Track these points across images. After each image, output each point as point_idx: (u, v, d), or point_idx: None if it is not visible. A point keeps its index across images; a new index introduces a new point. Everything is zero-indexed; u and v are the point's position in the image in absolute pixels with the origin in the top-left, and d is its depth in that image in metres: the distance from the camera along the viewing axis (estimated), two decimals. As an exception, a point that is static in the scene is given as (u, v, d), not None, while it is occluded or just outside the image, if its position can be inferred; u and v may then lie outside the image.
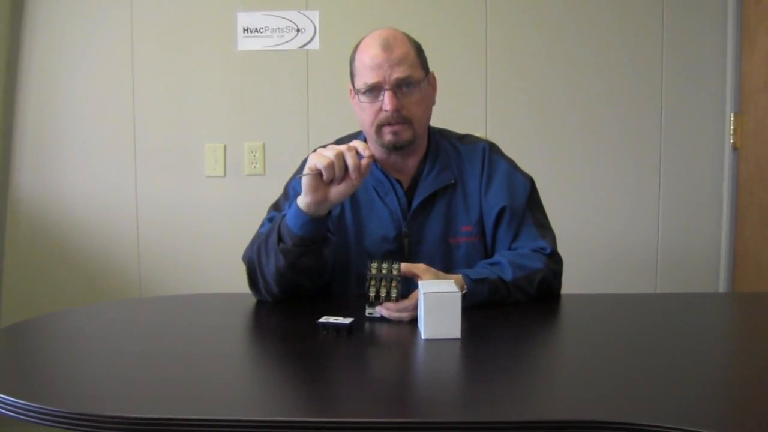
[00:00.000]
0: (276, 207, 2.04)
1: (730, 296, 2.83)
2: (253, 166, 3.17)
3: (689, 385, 1.32)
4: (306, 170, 1.72)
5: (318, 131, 3.12)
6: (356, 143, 1.73)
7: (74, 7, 3.16)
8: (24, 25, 3.15)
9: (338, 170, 1.70)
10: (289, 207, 1.92)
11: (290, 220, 1.78)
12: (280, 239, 1.79)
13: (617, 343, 1.60)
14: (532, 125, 3.15)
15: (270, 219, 1.98)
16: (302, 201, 1.75)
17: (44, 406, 1.17)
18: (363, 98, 1.91)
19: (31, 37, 3.16)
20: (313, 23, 3.13)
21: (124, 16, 3.15)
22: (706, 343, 1.64)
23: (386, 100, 1.87)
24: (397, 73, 1.87)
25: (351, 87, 1.98)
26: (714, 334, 1.76)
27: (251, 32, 3.14)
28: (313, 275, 1.85)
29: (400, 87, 1.88)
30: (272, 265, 1.80)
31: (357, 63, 1.93)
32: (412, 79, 1.89)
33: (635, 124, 3.14)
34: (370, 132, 1.94)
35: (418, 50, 1.95)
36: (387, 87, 1.87)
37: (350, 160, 1.70)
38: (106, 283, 3.21)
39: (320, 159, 1.70)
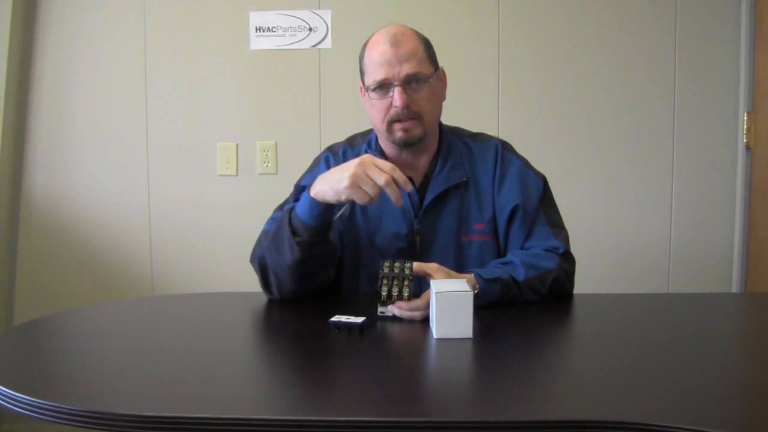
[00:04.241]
0: (284, 206, 2.04)
1: (742, 296, 2.82)
2: (265, 165, 3.17)
3: (701, 386, 1.32)
4: (341, 202, 1.72)
5: (330, 130, 3.12)
6: (397, 179, 1.69)
7: (87, 7, 3.17)
8: (37, 24, 3.17)
9: (376, 201, 1.70)
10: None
11: (303, 213, 1.77)
12: (294, 233, 1.78)
13: (629, 343, 1.60)
14: (544, 124, 3.14)
15: (274, 219, 1.99)
16: (321, 193, 1.73)
17: (55, 404, 1.18)
18: (373, 95, 1.91)
19: (43, 37, 3.17)
20: (326, 22, 3.13)
21: (137, 15, 3.16)
22: (718, 344, 1.63)
23: (396, 96, 1.87)
24: (406, 69, 1.86)
25: (361, 85, 1.98)
26: (726, 334, 1.76)
27: (263, 31, 3.15)
28: (325, 261, 1.86)
29: (409, 83, 1.88)
30: (287, 258, 1.80)
31: (366, 60, 1.93)
32: (421, 75, 1.89)
33: (648, 123, 3.13)
34: (381, 129, 1.94)
35: (427, 45, 1.94)
36: (396, 83, 1.87)
37: (393, 195, 1.68)
38: (119, 281, 3.22)
39: (360, 195, 1.68)
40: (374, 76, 1.89)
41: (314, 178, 2.01)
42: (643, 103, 3.13)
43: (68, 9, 3.16)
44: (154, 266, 3.23)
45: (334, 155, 2.05)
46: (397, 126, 1.91)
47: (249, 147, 3.18)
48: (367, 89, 1.93)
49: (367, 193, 1.67)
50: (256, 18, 3.15)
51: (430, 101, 1.93)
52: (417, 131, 1.91)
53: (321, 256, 1.83)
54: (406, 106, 1.88)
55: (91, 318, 1.84)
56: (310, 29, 3.14)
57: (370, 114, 1.96)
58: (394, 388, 1.35)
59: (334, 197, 1.72)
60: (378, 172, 1.68)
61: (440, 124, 2.05)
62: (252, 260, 1.93)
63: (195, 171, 3.20)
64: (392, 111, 1.89)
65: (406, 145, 1.94)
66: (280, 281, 1.86)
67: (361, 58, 1.97)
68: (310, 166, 2.10)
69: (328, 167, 2.02)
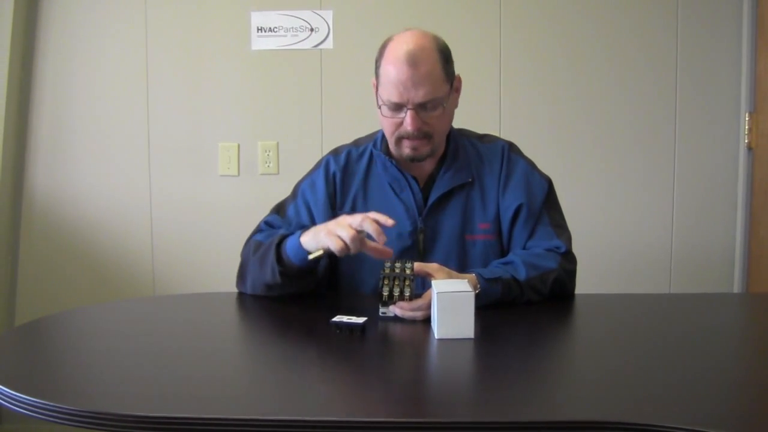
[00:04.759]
0: (280, 207, 2.06)
1: (744, 296, 2.82)
2: (266, 165, 3.17)
3: (702, 386, 1.32)
4: (317, 250, 1.76)
5: (332, 131, 3.12)
6: (376, 217, 1.72)
7: (88, 7, 3.17)
8: (38, 24, 3.17)
9: (353, 250, 1.72)
10: (295, 210, 2.01)
11: (291, 250, 1.82)
12: (279, 260, 1.84)
13: (630, 343, 1.60)
14: (546, 125, 3.14)
15: (267, 223, 2.03)
16: (306, 243, 1.79)
17: (56, 404, 1.18)
18: (385, 110, 1.89)
19: (45, 37, 3.17)
20: (327, 23, 3.13)
21: (139, 15, 3.16)
22: (719, 344, 1.63)
23: (408, 119, 1.86)
24: (421, 96, 1.84)
25: (375, 82, 1.96)
26: (728, 334, 1.75)
27: (265, 32, 3.15)
28: (302, 288, 1.90)
29: (423, 106, 1.86)
30: (267, 277, 1.86)
31: (382, 71, 1.89)
32: (436, 100, 1.87)
33: (650, 124, 3.13)
34: (390, 140, 1.94)
35: (445, 60, 1.90)
36: (410, 107, 1.85)
37: (373, 231, 1.69)
38: (120, 281, 3.23)
39: (334, 241, 1.71)
40: (388, 94, 1.86)
41: (313, 182, 2.03)
42: (645, 104, 3.13)
43: (69, 9, 3.16)
44: (156, 266, 3.23)
45: (336, 157, 2.05)
46: (406, 143, 1.91)
47: (250, 147, 3.18)
48: (380, 100, 1.91)
49: (340, 238, 1.70)
50: (257, 18, 3.15)
51: (441, 120, 1.92)
52: (425, 150, 1.92)
53: (299, 285, 1.88)
54: (418, 129, 1.87)
55: (92, 318, 1.84)
56: (312, 29, 3.14)
57: (381, 122, 1.95)
58: (396, 388, 1.35)
59: (314, 246, 1.77)
60: (353, 217, 1.73)
61: None
62: (242, 255, 2.00)
63: (196, 171, 3.20)
64: (403, 129, 1.89)
65: (412, 160, 1.94)
66: (255, 288, 1.93)
67: (377, 63, 1.92)
68: (311, 168, 2.10)
69: (327, 171, 2.03)
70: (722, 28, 3.09)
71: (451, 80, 1.93)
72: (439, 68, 1.87)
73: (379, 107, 1.91)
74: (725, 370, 1.43)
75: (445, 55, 1.90)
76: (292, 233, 1.87)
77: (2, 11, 3.04)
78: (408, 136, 1.89)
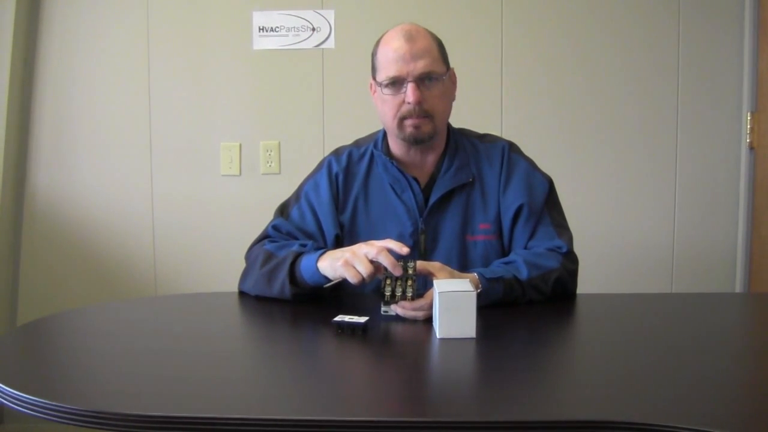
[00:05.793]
0: (284, 209, 2.06)
1: (746, 296, 2.82)
2: (268, 165, 3.17)
3: (703, 386, 1.32)
4: (335, 278, 1.77)
5: (333, 130, 3.13)
6: (389, 244, 1.72)
7: (90, 6, 3.17)
8: (40, 23, 3.17)
9: (368, 280, 1.72)
10: (299, 213, 2.01)
11: (306, 272, 1.82)
12: (292, 279, 1.84)
13: (632, 342, 1.60)
14: (547, 125, 3.14)
15: (275, 227, 2.02)
16: (324, 268, 1.78)
17: (59, 404, 1.18)
18: (385, 90, 1.92)
19: (47, 36, 3.17)
20: (329, 22, 3.13)
21: (140, 14, 3.16)
22: (720, 344, 1.63)
23: (409, 92, 1.88)
24: (421, 67, 1.88)
25: (372, 81, 1.98)
26: (729, 334, 1.75)
27: (267, 31, 3.15)
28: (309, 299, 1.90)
29: (422, 80, 1.89)
30: (275, 292, 1.87)
31: (379, 56, 1.94)
32: (435, 73, 1.90)
33: (651, 123, 3.13)
34: (391, 126, 1.95)
35: (440, 45, 1.96)
36: (410, 80, 1.87)
37: (388, 263, 1.69)
38: (122, 281, 3.23)
39: (351, 273, 1.71)
40: (387, 71, 1.90)
41: (316, 184, 2.03)
42: (647, 103, 3.13)
43: (71, 8, 3.16)
44: (157, 266, 3.23)
45: (337, 158, 2.06)
46: (408, 122, 1.92)
47: (252, 147, 3.18)
48: (379, 85, 1.94)
49: (359, 272, 1.71)
50: (259, 18, 3.15)
51: (441, 100, 1.94)
52: (427, 129, 1.92)
53: (307, 299, 1.87)
54: (419, 103, 1.89)
55: (94, 318, 1.84)
56: (314, 29, 3.14)
57: (381, 110, 1.97)
58: (397, 388, 1.35)
59: (331, 274, 1.77)
60: (369, 247, 1.72)
61: (448, 125, 2.05)
62: (246, 257, 2.01)
63: (198, 171, 3.20)
64: (404, 108, 1.90)
65: (415, 141, 1.95)
66: (258, 294, 1.93)
67: (374, 54, 1.97)
68: (313, 169, 2.10)
69: (330, 172, 2.03)
70: (724, 27, 3.09)
71: (447, 65, 1.97)
72: (435, 47, 1.93)
73: (379, 87, 1.93)
74: (727, 370, 1.43)
75: (439, 41, 1.97)
76: (304, 251, 1.88)
77: (4, 11, 3.04)
78: (410, 115, 1.90)
